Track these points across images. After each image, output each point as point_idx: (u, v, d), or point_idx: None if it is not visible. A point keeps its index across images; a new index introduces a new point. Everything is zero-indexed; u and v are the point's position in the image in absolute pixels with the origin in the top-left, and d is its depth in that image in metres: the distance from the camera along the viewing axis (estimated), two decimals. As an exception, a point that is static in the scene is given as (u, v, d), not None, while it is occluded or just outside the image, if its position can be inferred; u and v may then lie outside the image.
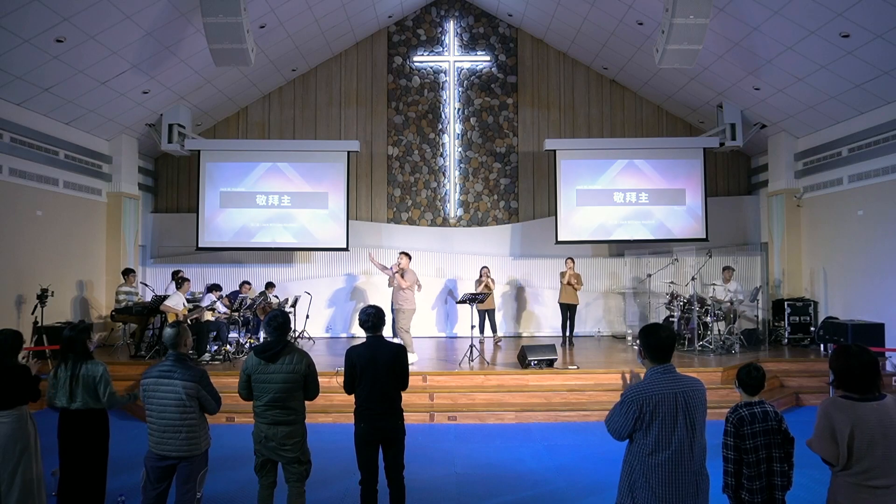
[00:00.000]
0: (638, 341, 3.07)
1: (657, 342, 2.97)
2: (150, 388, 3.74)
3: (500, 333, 11.21)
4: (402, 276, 9.33)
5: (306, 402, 4.08)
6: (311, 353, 9.75)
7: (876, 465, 2.76)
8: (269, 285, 10.95)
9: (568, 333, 10.91)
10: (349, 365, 4.10)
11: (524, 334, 12.25)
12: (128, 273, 10.46)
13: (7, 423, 3.82)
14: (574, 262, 10.97)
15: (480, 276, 10.76)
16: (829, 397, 2.97)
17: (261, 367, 3.92)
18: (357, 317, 4.48)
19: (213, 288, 9.66)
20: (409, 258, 9.54)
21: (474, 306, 9.26)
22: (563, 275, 10.87)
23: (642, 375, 3.12)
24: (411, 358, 8.84)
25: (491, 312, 10.93)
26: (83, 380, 4.04)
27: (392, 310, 9.16)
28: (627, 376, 8.07)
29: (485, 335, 10.80)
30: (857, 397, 2.87)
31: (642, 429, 2.90)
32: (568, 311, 10.87)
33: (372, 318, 4.16)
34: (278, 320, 3.99)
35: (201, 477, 3.81)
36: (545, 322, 12.33)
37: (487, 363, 8.72)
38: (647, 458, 2.91)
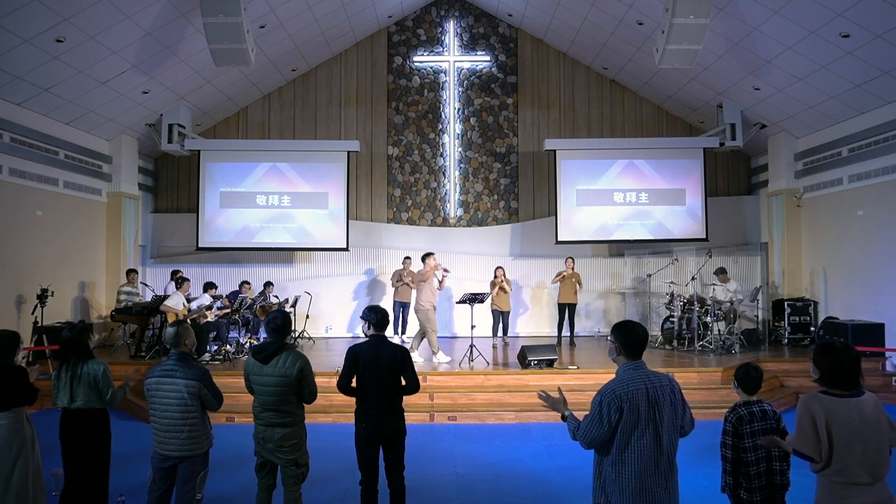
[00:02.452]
0: (611, 338, 3.03)
1: (633, 339, 2.93)
2: (153, 388, 3.74)
3: (506, 336, 10.90)
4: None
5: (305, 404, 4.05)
6: (311, 354, 9.77)
7: (856, 461, 2.75)
8: (268, 284, 10.94)
9: (568, 333, 10.89)
10: (351, 361, 4.08)
11: (524, 334, 12.24)
12: (130, 273, 10.49)
13: (4, 426, 3.80)
14: (574, 262, 10.94)
15: (495, 276, 10.49)
16: (808, 394, 2.93)
17: (255, 369, 3.91)
18: (360, 316, 4.47)
19: (209, 286, 9.59)
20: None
21: (485, 306, 9.03)
22: (559, 275, 10.80)
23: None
24: (444, 358, 8.81)
25: (506, 314, 10.64)
26: (85, 378, 4.06)
27: (415, 310, 8.98)
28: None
29: (498, 336, 10.64)
30: (840, 394, 2.85)
31: (621, 426, 2.82)
32: (567, 310, 10.84)
33: (380, 316, 4.17)
34: (277, 322, 3.97)
35: (202, 478, 3.81)
36: (545, 322, 12.32)
37: (488, 363, 8.71)
38: (617, 454, 2.84)
